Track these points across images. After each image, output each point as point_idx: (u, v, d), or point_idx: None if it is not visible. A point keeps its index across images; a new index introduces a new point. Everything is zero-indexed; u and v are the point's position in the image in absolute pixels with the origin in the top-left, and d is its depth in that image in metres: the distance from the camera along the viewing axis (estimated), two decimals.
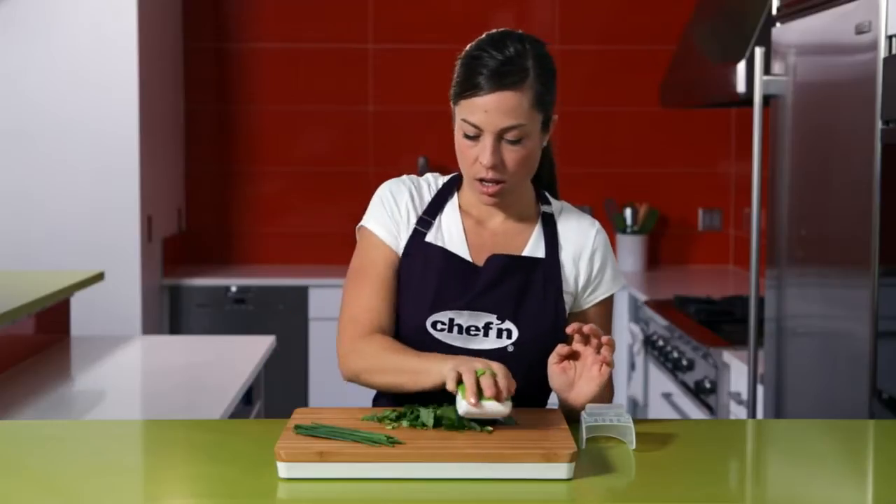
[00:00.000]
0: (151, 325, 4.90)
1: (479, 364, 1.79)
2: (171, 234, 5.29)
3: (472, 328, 2.00)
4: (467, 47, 1.97)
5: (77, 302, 3.93)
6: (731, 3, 4.10)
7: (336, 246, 5.37)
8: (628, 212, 5.44)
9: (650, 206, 5.49)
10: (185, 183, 5.55)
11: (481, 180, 1.96)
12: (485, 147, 1.93)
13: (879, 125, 2.40)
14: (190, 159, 5.55)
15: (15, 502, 1.60)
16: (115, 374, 3.34)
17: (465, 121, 1.94)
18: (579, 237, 2.08)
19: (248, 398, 3.31)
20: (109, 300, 4.60)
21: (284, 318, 5.04)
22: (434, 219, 2.05)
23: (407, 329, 2.01)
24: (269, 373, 3.82)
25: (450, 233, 2.05)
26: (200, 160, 5.56)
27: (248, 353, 3.45)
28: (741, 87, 3.48)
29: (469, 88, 1.92)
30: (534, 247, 2.06)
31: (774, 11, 3.03)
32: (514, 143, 1.93)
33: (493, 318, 2.00)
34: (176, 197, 5.40)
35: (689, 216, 5.63)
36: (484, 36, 1.97)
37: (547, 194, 2.12)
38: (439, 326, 1.99)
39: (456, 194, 2.08)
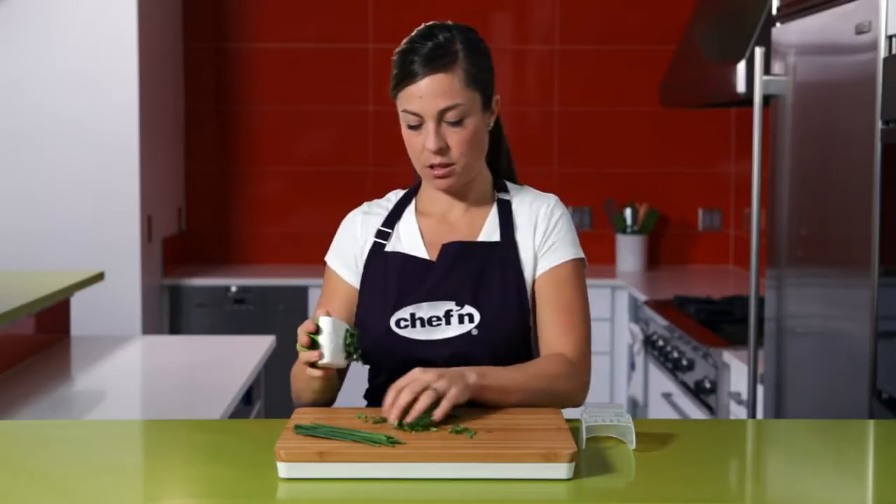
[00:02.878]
0: (151, 325, 4.89)
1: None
2: (171, 234, 5.29)
3: (434, 318, 2.02)
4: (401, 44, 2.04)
5: (77, 302, 3.93)
6: (731, 3, 4.09)
7: None
8: (628, 212, 5.43)
9: (650, 206, 5.49)
10: (185, 183, 5.55)
11: (431, 166, 2.00)
12: (428, 133, 1.98)
13: (879, 125, 2.40)
14: (190, 159, 5.55)
15: (15, 502, 1.60)
16: (115, 374, 3.34)
17: (405, 111, 2.00)
18: (532, 213, 2.08)
19: (248, 398, 3.31)
20: (109, 300, 4.60)
21: (284, 318, 5.04)
22: (392, 229, 2.10)
23: (375, 333, 2.03)
24: (269, 373, 3.81)
25: (407, 238, 2.09)
26: (200, 160, 5.56)
27: (248, 353, 3.45)
28: (741, 87, 3.48)
29: (404, 78, 1.99)
30: (489, 232, 2.08)
31: (774, 11, 3.03)
32: (455, 124, 1.98)
33: (451, 305, 2.02)
34: (176, 197, 5.40)
35: (689, 216, 5.62)
36: (413, 32, 2.05)
37: (507, 183, 2.13)
38: (402, 324, 2.02)
39: (414, 200, 2.13)
